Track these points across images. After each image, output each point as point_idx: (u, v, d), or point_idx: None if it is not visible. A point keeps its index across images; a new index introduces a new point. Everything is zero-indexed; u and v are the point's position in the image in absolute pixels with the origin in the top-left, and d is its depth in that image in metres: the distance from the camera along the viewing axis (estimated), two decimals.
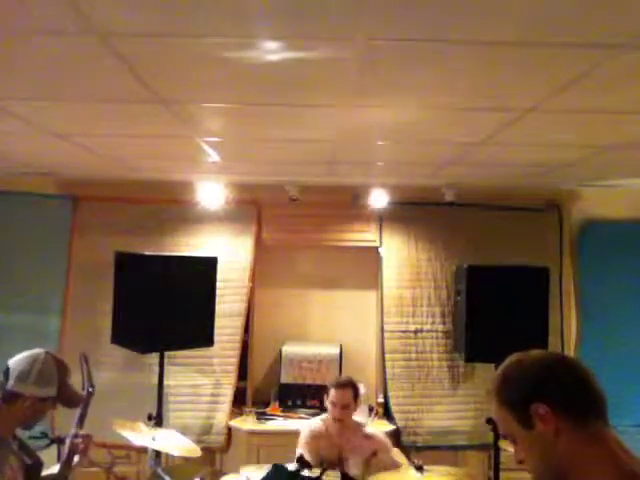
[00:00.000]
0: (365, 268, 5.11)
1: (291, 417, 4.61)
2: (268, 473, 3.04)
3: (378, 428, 4.06)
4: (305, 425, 3.76)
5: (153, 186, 4.72)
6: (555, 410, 1.34)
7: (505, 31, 1.48)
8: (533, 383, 1.39)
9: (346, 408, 3.57)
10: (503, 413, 1.43)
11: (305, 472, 2.98)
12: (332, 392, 3.60)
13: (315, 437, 3.62)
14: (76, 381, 2.68)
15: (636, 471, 1.27)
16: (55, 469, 2.63)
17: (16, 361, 2.39)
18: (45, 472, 2.64)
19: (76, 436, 2.62)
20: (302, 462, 3.02)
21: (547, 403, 1.34)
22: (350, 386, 3.63)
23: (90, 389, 2.80)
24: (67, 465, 2.59)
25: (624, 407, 4.43)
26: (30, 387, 2.33)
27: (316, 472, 3.04)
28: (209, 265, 4.34)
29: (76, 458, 2.65)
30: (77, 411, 2.67)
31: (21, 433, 2.48)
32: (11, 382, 2.33)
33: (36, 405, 2.35)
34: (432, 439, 4.75)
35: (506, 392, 1.43)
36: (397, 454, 3.68)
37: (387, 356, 4.83)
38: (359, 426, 3.71)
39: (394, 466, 3.49)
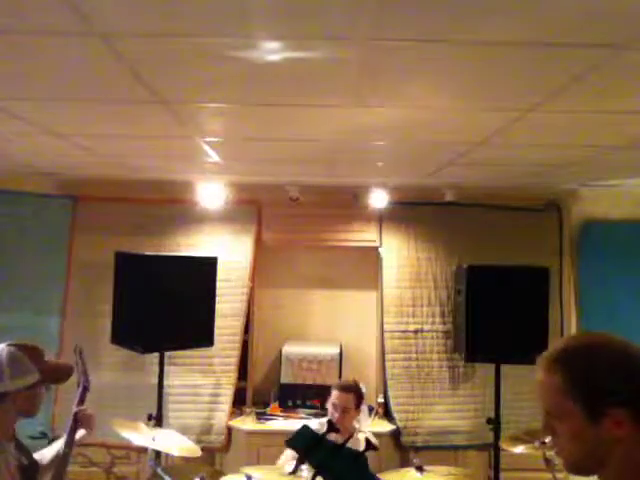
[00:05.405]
0: (365, 268, 5.12)
1: (291, 417, 4.61)
2: (297, 431, 2.67)
3: (377, 430, 4.03)
4: None
5: (153, 186, 4.71)
6: (629, 417, 1.25)
7: (505, 31, 1.48)
8: (617, 381, 1.27)
9: (346, 412, 3.53)
10: (563, 389, 1.29)
11: (332, 436, 2.76)
12: (335, 393, 3.57)
13: None
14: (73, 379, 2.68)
15: None
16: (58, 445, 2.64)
17: None
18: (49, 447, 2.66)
19: (77, 413, 2.63)
20: (331, 425, 2.84)
21: (625, 408, 1.25)
22: (354, 391, 3.59)
23: (86, 384, 2.78)
24: (71, 439, 2.59)
25: None
26: (10, 383, 2.31)
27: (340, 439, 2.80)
28: (209, 265, 4.33)
29: (79, 433, 2.65)
30: (72, 416, 2.67)
31: (20, 434, 2.48)
32: None
33: (26, 394, 2.34)
34: (432, 439, 4.75)
35: (579, 372, 1.30)
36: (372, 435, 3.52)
37: (387, 356, 4.83)
38: (354, 430, 3.69)
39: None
